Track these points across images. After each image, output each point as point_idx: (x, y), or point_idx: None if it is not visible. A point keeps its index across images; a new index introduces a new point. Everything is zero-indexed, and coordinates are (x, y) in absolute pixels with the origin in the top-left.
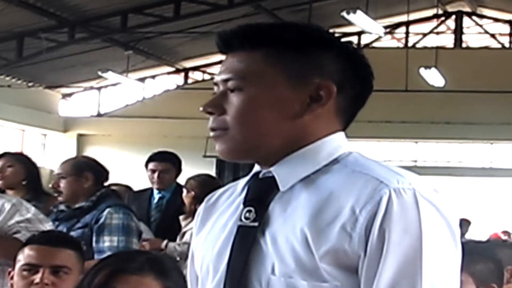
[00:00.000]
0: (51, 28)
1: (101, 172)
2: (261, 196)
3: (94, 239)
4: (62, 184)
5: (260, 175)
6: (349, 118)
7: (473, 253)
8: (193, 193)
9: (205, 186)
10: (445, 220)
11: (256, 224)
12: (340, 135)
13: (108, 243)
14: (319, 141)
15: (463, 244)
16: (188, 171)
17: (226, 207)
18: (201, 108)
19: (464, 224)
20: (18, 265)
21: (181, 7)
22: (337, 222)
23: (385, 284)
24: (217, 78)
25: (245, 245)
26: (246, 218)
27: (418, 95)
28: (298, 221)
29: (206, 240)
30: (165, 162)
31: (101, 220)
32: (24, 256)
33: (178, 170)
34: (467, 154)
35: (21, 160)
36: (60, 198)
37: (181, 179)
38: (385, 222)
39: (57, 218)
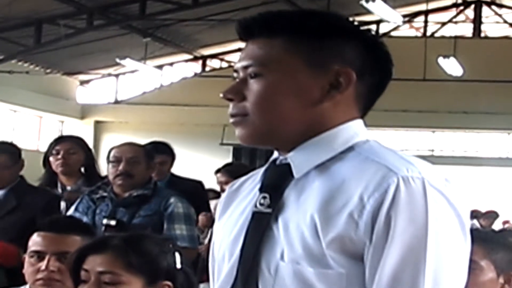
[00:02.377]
0: (69, 14)
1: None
2: (276, 183)
3: (166, 226)
4: (136, 169)
5: (277, 162)
6: (368, 106)
7: (494, 242)
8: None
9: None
10: (454, 210)
11: (269, 210)
12: (358, 122)
13: (178, 231)
14: (336, 128)
15: (484, 232)
16: (205, 158)
17: (246, 194)
18: (221, 95)
19: (492, 215)
20: (27, 252)
21: None
22: (346, 209)
23: (388, 272)
24: (237, 65)
25: (258, 231)
26: (261, 205)
27: (436, 85)
28: (309, 208)
29: (225, 226)
30: (162, 154)
31: (170, 209)
32: (32, 242)
33: (173, 161)
34: (484, 143)
35: (82, 146)
36: (122, 182)
37: (198, 167)
38: (391, 210)
39: (119, 204)
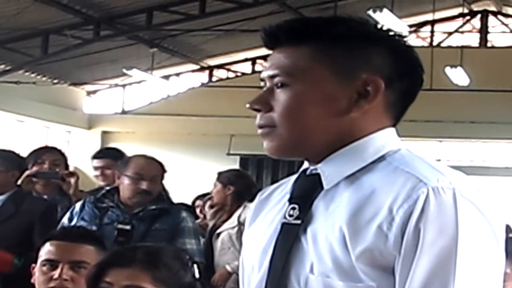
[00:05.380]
0: (76, 25)
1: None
2: (306, 194)
3: (179, 240)
4: (156, 187)
5: (307, 172)
6: (399, 114)
7: None
8: (233, 188)
9: (243, 180)
10: (487, 221)
11: (298, 222)
12: (389, 131)
13: (189, 245)
14: (366, 137)
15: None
16: (212, 168)
17: (275, 203)
18: (247, 105)
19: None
20: (39, 261)
21: (206, 5)
22: (375, 221)
23: (417, 284)
24: (264, 74)
25: (287, 242)
26: (290, 216)
27: (443, 94)
28: (338, 220)
29: (254, 236)
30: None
31: (183, 223)
32: (45, 251)
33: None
34: (491, 153)
35: (64, 160)
36: (140, 198)
37: (205, 177)
38: (420, 221)
39: (136, 217)
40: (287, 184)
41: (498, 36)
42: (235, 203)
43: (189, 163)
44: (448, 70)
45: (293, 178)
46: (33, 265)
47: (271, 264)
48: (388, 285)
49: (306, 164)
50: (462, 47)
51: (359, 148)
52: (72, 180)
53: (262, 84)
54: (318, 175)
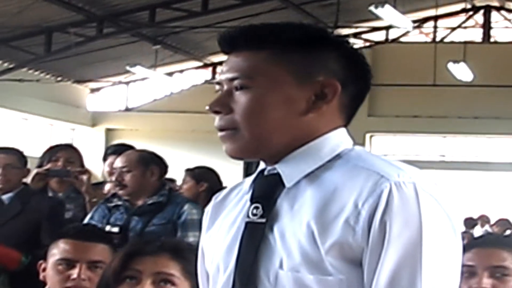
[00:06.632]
0: (79, 22)
1: (165, 166)
2: (268, 193)
3: (179, 234)
4: (127, 177)
5: (265, 172)
6: (351, 115)
7: None
8: (206, 184)
9: (214, 176)
10: (445, 213)
11: (263, 220)
12: (342, 131)
13: (192, 238)
14: (321, 137)
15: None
16: (216, 165)
17: (234, 205)
18: (207, 107)
19: (505, 223)
20: (52, 259)
21: (209, 2)
22: (341, 216)
23: (385, 276)
24: (222, 77)
25: (254, 240)
26: (254, 215)
27: (446, 90)
28: (305, 216)
29: (216, 237)
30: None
31: (184, 216)
32: (60, 250)
33: None
34: (495, 148)
35: (79, 157)
36: (121, 192)
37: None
38: (385, 215)
39: (134, 213)
40: (242, 186)
41: (501, 31)
42: (206, 200)
43: (193, 160)
44: (451, 65)
45: (247, 179)
46: (41, 262)
47: (237, 262)
48: (357, 278)
49: (262, 165)
50: (465, 42)
51: (316, 147)
52: (84, 178)
53: (217, 87)
54: (277, 174)
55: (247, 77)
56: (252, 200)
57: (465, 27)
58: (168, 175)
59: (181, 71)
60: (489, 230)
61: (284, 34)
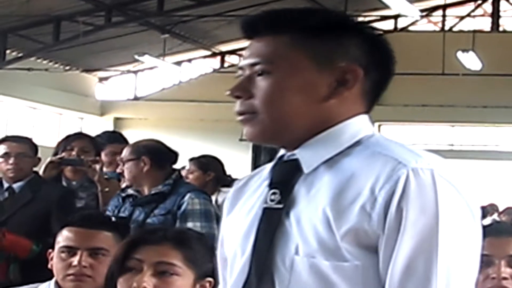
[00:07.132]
0: (88, 11)
1: (160, 155)
2: (286, 179)
3: (178, 224)
4: (124, 169)
5: (285, 158)
6: (373, 101)
7: None
8: (213, 173)
9: (219, 165)
10: (463, 199)
11: (280, 206)
12: (363, 117)
13: (193, 228)
14: (342, 123)
15: None
16: (225, 154)
17: (254, 191)
18: (227, 92)
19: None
20: (57, 247)
21: None
22: (357, 202)
23: (401, 263)
24: (243, 62)
25: (270, 226)
26: (271, 201)
27: (455, 79)
28: (321, 202)
29: (234, 223)
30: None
31: (184, 206)
32: (63, 238)
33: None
34: (504, 137)
35: (95, 146)
36: (125, 183)
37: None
38: (402, 201)
39: (138, 203)
40: (262, 172)
41: (510, 20)
42: (213, 189)
43: (201, 149)
44: (460, 54)
45: (268, 166)
46: (50, 250)
47: (254, 248)
48: (372, 264)
49: (282, 151)
50: (474, 31)
51: (336, 133)
52: (97, 167)
53: (240, 72)
54: (296, 160)
55: (268, 62)
56: (270, 186)
57: (473, 16)
58: (176, 165)
59: (190, 60)
60: (497, 218)
61: (305, 19)
